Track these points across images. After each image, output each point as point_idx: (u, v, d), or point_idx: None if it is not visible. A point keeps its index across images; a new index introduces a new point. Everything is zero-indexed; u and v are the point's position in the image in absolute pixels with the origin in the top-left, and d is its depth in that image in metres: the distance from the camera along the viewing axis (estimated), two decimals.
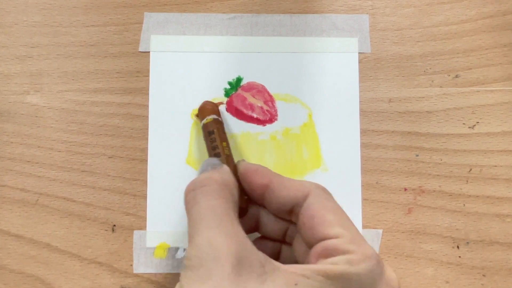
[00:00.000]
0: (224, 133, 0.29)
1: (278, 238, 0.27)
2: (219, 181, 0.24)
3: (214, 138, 0.28)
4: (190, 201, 0.24)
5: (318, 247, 0.23)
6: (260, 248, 0.27)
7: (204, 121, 0.29)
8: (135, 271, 0.31)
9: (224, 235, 0.22)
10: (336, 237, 0.23)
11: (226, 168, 0.26)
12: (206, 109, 0.30)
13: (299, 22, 0.33)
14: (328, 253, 0.22)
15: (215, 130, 0.29)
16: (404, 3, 0.34)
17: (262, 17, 0.33)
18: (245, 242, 0.22)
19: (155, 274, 0.31)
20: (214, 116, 0.29)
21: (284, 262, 0.27)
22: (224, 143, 0.28)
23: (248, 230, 0.27)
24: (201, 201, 0.23)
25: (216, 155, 0.27)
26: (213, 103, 0.32)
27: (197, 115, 0.32)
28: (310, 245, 0.24)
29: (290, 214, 0.25)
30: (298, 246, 0.26)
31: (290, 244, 0.27)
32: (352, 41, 0.33)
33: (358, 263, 0.22)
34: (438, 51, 0.33)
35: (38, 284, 0.31)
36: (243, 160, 0.28)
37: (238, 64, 0.33)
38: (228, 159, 0.27)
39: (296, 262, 0.26)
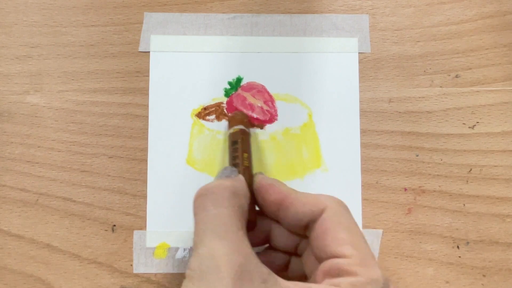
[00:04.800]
0: (248, 144, 0.29)
1: (289, 251, 0.27)
2: (230, 189, 0.24)
3: (237, 148, 0.28)
4: (198, 206, 0.23)
5: (326, 265, 0.22)
6: (269, 258, 0.26)
7: (231, 130, 0.29)
8: (135, 271, 0.31)
9: (228, 247, 0.21)
10: (344, 256, 0.22)
11: (240, 178, 0.25)
12: (235, 119, 0.30)
13: (299, 22, 0.33)
14: (334, 273, 0.22)
15: (239, 141, 0.28)
16: (404, 3, 0.34)
17: (262, 17, 0.33)
18: (249, 255, 0.22)
19: (155, 274, 0.31)
20: (241, 127, 0.29)
21: (292, 273, 0.26)
22: (245, 154, 0.28)
23: (259, 243, 0.27)
24: (209, 208, 0.23)
25: (235, 165, 0.27)
26: (243, 113, 0.32)
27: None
28: (319, 261, 0.23)
29: (304, 229, 0.25)
30: (309, 259, 0.25)
31: (300, 256, 0.26)
32: (352, 41, 0.33)
33: (362, 287, 0.21)
34: (438, 51, 0.33)
35: (38, 284, 0.31)
36: (261, 173, 0.27)
37: (238, 64, 0.33)
38: (246, 171, 0.27)
39: (304, 274, 0.26)
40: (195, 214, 0.23)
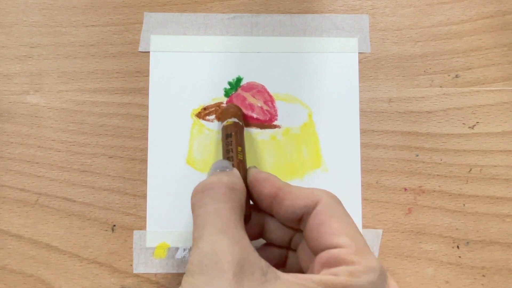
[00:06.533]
0: (242, 137, 0.29)
1: (283, 245, 0.27)
2: (227, 184, 0.24)
3: (230, 142, 0.28)
4: (196, 202, 0.24)
5: (322, 256, 0.23)
6: (266, 255, 0.26)
7: (224, 123, 0.29)
8: (135, 271, 0.31)
9: (228, 241, 0.21)
10: (340, 246, 0.22)
11: (236, 172, 0.25)
12: (228, 112, 0.30)
13: (299, 22, 0.33)
14: (332, 263, 0.22)
15: (232, 134, 0.28)
16: (404, 3, 0.34)
17: (262, 17, 0.33)
18: (249, 249, 0.22)
19: (155, 274, 0.31)
20: (235, 120, 0.29)
21: (290, 269, 0.27)
22: (239, 148, 0.28)
23: (253, 237, 0.27)
24: (207, 204, 0.23)
25: (229, 158, 0.27)
26: (236, 106, 0.32)
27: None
28: (315, 253, 0.23)
29: (298, 223, 0.25)
30: (303, 253, 0.25)
31: (295, 250, 0.27)
32: (352, 41, 0.33)
33: (360, 275, 0.21)
34: (438, 51, 0.33)
35: (38, 284, 0.31)
36: (254, 167, 0.27)
37: (238, 64, 0.33)
38: (240, 164, 0.27)
39: (301, 268, 0.26)
40: (194, 210, 0.24)
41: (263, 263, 0.22)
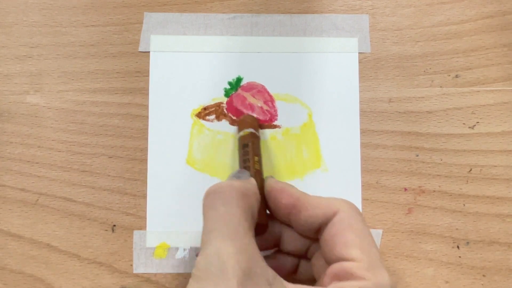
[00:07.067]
0: (258, 148, 0.29)
1: (298, 254, 0.27)
2: (239, 189, 0.24)
3: (247, 152, 0.28)
4: (207, 205, 0.23)
5: (334, 268, 0.22)
6: (278, 262, 0.26)
7: (242, 133, 0.30)
8: (135, 271, 0.31)
9: (235, 248, 0.21)
10: (352, 260, 0.22)
11: (252, 180, 0.25)
12: (246, 122, 0.30)
13: (299, 22, 0.33)
14: (342, 276, 0.22)
15: (249, 144, 0.29)
16: (404, 3, 0.34)
17: (262, 17, 0.33)
18: (256, 257, 0.22)
19: (155, 274, 0.31)
20: (252, 130, 0.30)
21: (301, 276, 0.26)
22: (256, 158, 0.28)
23: (269, 247, 0.27)
24: (218, 207, 0.23)
25: (246, 168, 0.27)
26: (253, 117, 0.32)
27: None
28: (329, 263, 0.23)
29: (316, 233, 0.25)
30: (318, 262, 0.25)
31: (309, 259, 0.26)
32: (352, 41, 0.33)
33: None
34: (438, 51, 0.33)
35: (38, 284, 0.31)
36: (272, 177, 0.27)
37: (238, 64, 0.33)
38: (257, 174, 0.27)
39: (313, 277, 0.26)
40: (204, 212, 0.23)
41: (269, 272, 0.21)
